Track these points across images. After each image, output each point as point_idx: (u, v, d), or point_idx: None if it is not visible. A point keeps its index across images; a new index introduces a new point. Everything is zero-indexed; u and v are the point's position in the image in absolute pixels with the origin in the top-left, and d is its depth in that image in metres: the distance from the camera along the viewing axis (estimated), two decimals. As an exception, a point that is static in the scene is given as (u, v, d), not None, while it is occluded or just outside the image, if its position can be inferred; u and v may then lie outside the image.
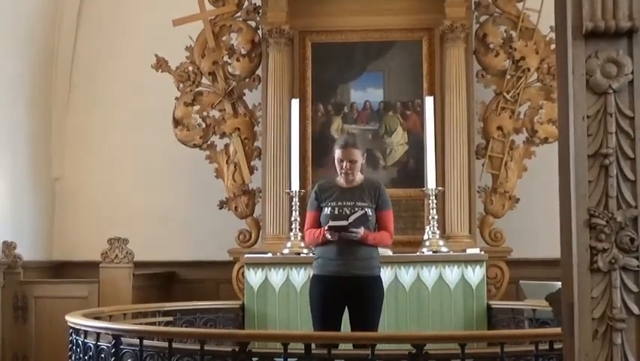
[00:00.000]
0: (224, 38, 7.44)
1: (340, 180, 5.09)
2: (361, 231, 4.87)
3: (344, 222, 4.83)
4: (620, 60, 2.02)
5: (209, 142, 7.44)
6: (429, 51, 7.28)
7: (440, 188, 6.47)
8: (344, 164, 5.01)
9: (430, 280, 6.08)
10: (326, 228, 4.86)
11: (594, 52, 2.03)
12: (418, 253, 6.22)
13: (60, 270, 8.06)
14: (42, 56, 8.07)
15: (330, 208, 4.98)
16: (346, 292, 4.92)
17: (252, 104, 7.43)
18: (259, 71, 7.39)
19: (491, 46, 7.22)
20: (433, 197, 6.16)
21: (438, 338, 4.49)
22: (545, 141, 7.13)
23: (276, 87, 7.13)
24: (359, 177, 5.08)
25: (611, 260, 1.99)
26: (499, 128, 7.17)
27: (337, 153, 5.05)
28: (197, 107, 7.45)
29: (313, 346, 4.01)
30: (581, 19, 2.02)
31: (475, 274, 6.09)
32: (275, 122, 7.10)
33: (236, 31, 7.45)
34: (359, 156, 5.05)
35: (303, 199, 6.22)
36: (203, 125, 7.44)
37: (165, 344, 4.18)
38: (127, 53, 8.17)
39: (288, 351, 3.94)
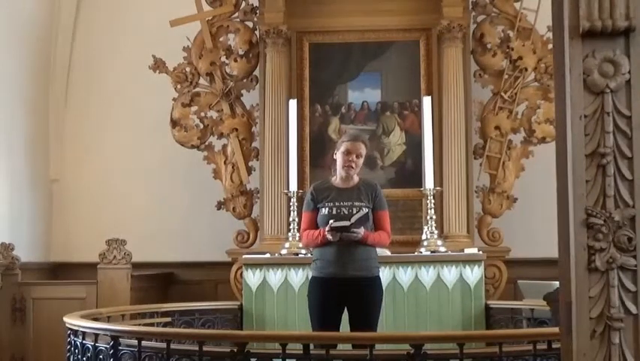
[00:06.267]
0: (221, 39, 7.44)
1: (336, 180, 5.08)
2: (362, 231, 4.87)
3: (346, 223, 4.82)
4: (617, 60, 2.03)
5: (206, 143, 7.44)
6: (426, 51, 7.28)
7: (438, 188, 6.46)
8: (351, 157, 4.97)
9: (429, 280, 6.08)
10: (327, 228, 4.84)
11: (591, 51, 2.03)
12: (416, 253, 6.21)
13: (58, 271, 8.05)
14: (40, 57, 8.06)
15: (327, 209, 4.96)
16: (345, 294, 4.91)
17: (249, 105, 7.43)
18: (257, 72, 7.40)
19: (489, 46, 7.22)
20: (431, 197, 6.16)
21: (436, 338, 4.48)
22: (543, 140, 7.13)
23: (273, 88, 7.13)
24: (355, 177, 5.07)
25: (608, 259, 1.99)
26: (497, 127, 7.18)
27: (345, 145, 4.99)
28: (194, 108, 7.45)
29: (312, 346, 4.01)
30: (578, 19, 2.02)
31: (473, 274, 6.09)
32: (272, 122, 7.10)
33: (234, 32, 7.45)
34: (364, 153, 5.05)
35: (300, 200, 6.20)
36: (201, 125, 7.44)
37: (163, 345, 4.18)
38: (124, 54, 8.16)
39: (287, 352, 3.94)
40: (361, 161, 5.04)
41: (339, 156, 5.03)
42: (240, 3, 7.46)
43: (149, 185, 8.09)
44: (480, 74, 7.26)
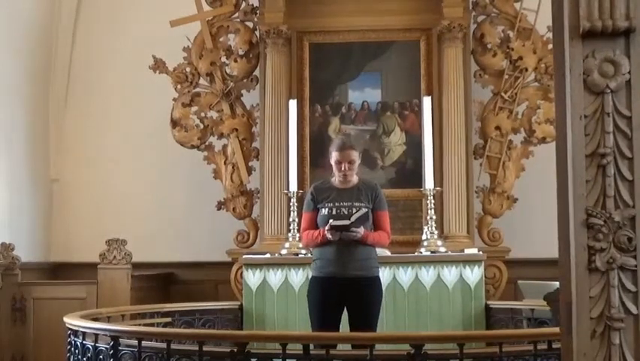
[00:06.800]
0: (221, 39, 7.44)
1: (336, 181, 5.09)
2: (362, 230, 4.87)
3: (346, 222, 4.83)
4: (617, 60, 2.02)
5: (207, 143, 7.44)
6: (426, 51, 7.28)
7: (438, 188, 6.46)
8: (342, 166, 5.00)
9: (429, 281, 6.08)
10: (327, 227, 4.85)
11: (591, 51, 2.03)
12: (416, 254, 6.22)
13: (58, 271, 8.05)
14: (40, 57, 8.06)
15: (327, 209, 4.97)
16: (345, 294, 4.91)
17: (249, 105, 7.43)
18: (257, 72, 7.40)
19: (489, 46, 7.22)
20: (431, 197, 6.16)
21: (436, 338, 4.49)
22: (543, 140, 7.13)
23: (273, 88, 7.13)
24: (355, 177, 5.08)
25: (608, 260, 1.99)
26: (497, 128, 7.18)
27: (335, 155, 5.04)
28: (194, 108, 7.45)
29: (312, 346, 4.01)
30: (578, 19, 2.02)
31: (474, 274, 6.09)
32: (273, 122, 7.10)
33: (234, 32, 7.45)
34: (356, 157, 5.06)
35: (301, 200, 6.20)
36: (201, 126, 7.44)
37: (164, 345, 4.18)
38: (124, 54, 8.16)
39: (287, 352, 3.94)
40: (356, 165, 5.06)
41: (332, 165, 5.07)
42: (240, 3, 7.45)
43: (149, 185, 8.09)
44: (480, 74, 7.26)
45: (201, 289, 7.56)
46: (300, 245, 5.95)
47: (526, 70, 7.13)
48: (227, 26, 7.45)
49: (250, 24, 7.45)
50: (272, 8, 7.17)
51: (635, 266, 2.00)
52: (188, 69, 7.42)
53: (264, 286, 6.16)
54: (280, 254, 6.26)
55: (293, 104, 6.49)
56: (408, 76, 7.34)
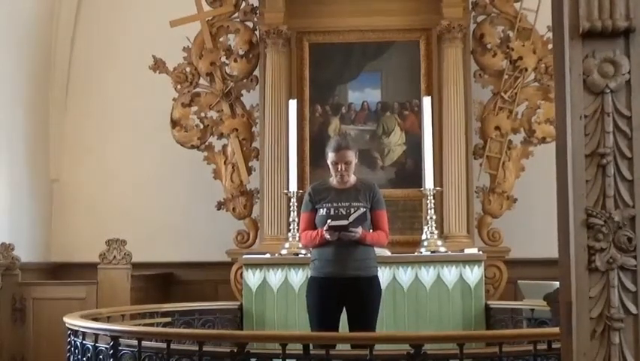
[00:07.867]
0: (221, 39, 7.44)
1: (334, 181, 5.09)
2: (360, 230, 4.88)
3: (344, 222, 4.83)
4: (617, 60, 2.02)
5: (207, 143, 7.44)
6: (426, 51, 7.28)
7: (438, 188, 6.46)
8: (339, 166, 5.00)
9: (429, 281, 6.07)
10: (326, 228, 4.85)
11: (591, 52, 2.03)
12: (416, 254, 6.21)
13: (58, 271, 8.05)
14: (40, 57, 8.06)
15: (325, 210, 4.98)
16: (344, 293, 4.91)
17: (249, 105, 7.43)
18: (257, 72, 7.40)
19: (489, 46, 7.22)
20: (431, 197, 6.15)
21: (436, 338, 4.48)
22: (543, 140, 7.14)
23: (273, 88, 7.13)
24: (352, 177, 5.09)
25: (608, 260, 1.99)
26: (497, 128, 7.18)
27: (331, 156, 5.04)
28: (194, 108, 7.45)
29: (311, 346, 4.01)
30: (578, 19, 2.02)
31: (474, 274, 6.09)
32: (273, 122, 7.10)
33: (234, 32, 7.46)
34: (353, 157, 5.06)
35: (300, 200, 6.20)
36: (201, 126, 7.44)
37: (164, 345, 4.18)
38: (124, 54, 8.16)
39: (287, 352, 3.94)
40: (352, 165, 5.06)
41: (329, 165, 5.08)
42: (240, 3, 7.46)
43: (149, 185, 8.08)
44: (480, 74, 7.26)
45: (201, 289, 7.56)
46: (300, 245, 5.95)
47: (526, 70, 7.14)
48: (227, 26, 7.45)
49: (250, 24, 7.45)
50: (272, 8, 7.17)
51: (635, 266, 2.00)
52: (188, 69, 7.42)
53: (263, 286, 6.15)
54: (280, 254, 6.25)
55: (293, 104, 6.48)
56: (408, 76, 7.34)
